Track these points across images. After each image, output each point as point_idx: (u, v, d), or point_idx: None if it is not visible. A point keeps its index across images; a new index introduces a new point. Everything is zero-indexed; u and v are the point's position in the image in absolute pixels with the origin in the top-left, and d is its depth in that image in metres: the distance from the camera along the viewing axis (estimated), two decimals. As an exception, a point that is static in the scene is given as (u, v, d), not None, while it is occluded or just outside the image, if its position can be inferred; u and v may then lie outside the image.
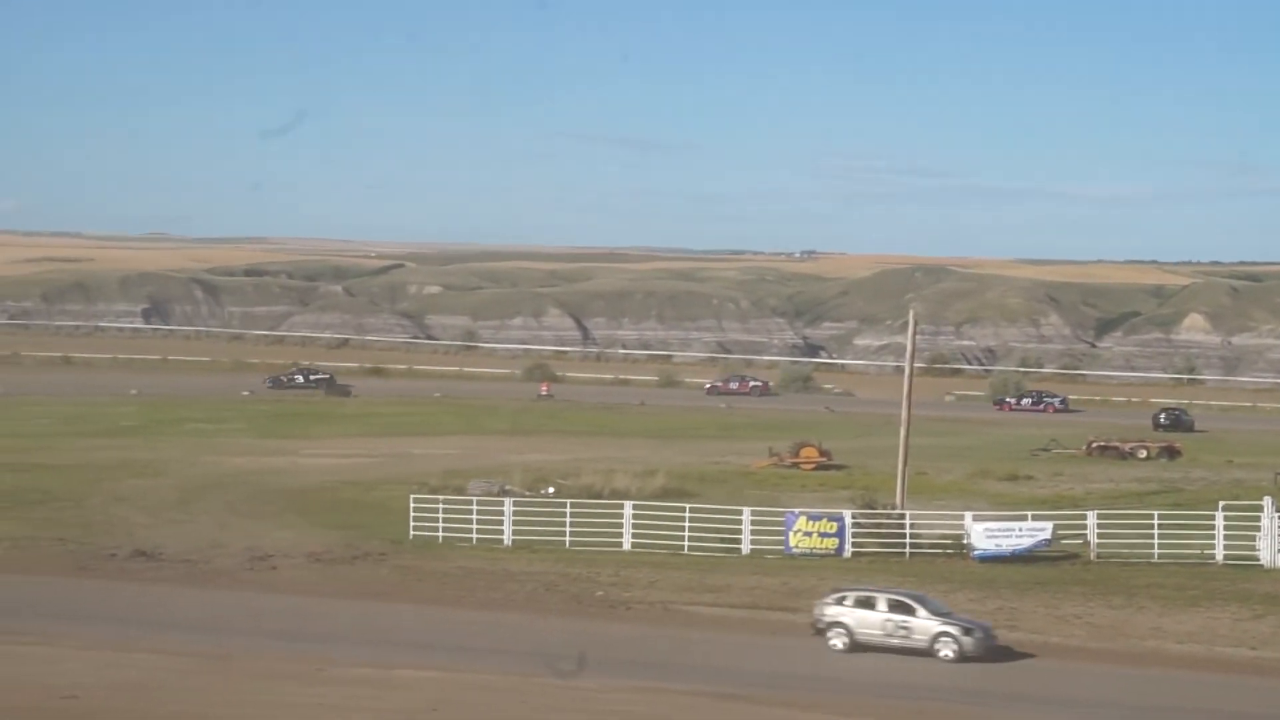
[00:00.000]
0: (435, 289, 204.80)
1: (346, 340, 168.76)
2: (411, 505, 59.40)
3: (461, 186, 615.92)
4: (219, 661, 39.84)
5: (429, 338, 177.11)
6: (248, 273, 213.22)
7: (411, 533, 58.37)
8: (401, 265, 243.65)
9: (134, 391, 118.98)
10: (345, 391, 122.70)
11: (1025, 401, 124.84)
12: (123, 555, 54.99)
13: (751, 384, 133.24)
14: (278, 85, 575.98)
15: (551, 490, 66.44)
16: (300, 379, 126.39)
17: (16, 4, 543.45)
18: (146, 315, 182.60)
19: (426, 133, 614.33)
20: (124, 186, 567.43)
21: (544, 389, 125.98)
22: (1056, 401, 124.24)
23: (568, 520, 57.89)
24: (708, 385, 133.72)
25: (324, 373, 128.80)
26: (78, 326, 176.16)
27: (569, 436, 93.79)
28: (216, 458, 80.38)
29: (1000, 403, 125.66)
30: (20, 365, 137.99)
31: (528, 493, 66.10)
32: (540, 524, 58.20)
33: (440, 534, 58.15)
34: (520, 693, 37.23)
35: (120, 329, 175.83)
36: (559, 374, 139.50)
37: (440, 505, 59.43)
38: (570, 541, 57.23)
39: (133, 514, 63.30)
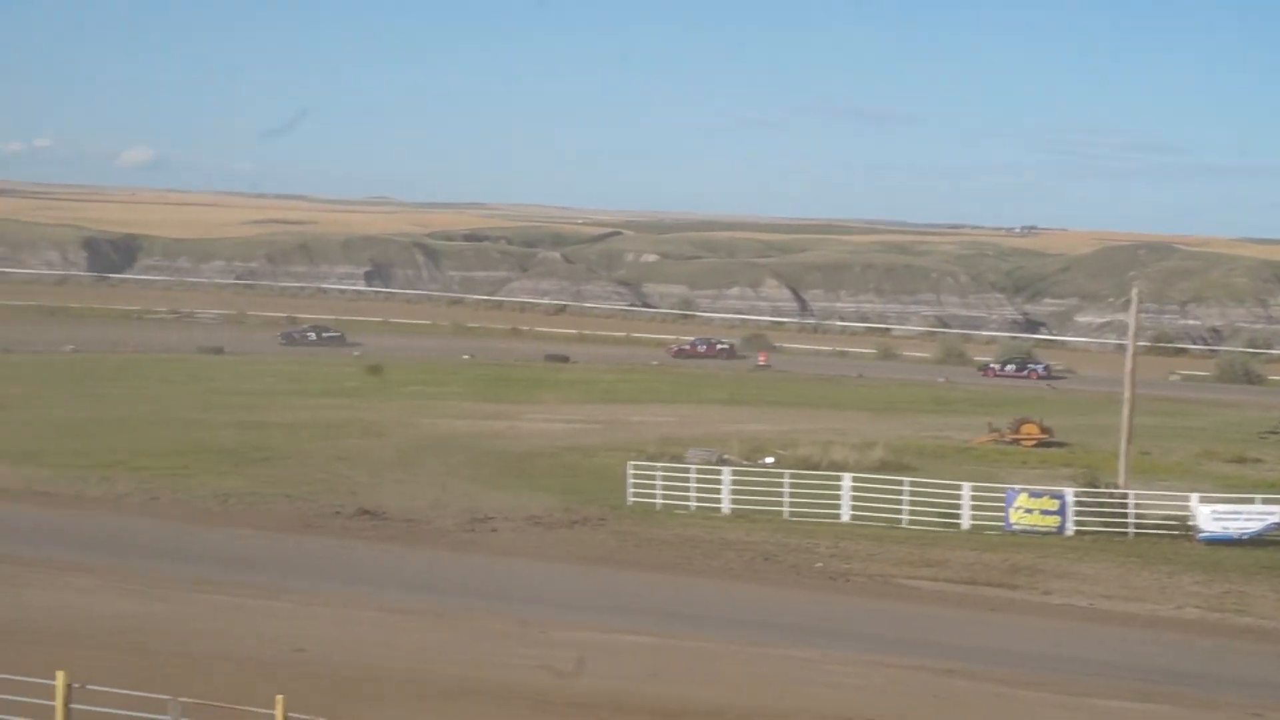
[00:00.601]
0: (653, 257, 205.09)
1: (564, 306, 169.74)
2: (629, 472, 59.52)
3: (680, 156, 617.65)
4: (441, 620, 40.24)
5: (646, 306, 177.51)
6: (468, 238, 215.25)
7: (629, 499, 58.49)
8: (619, 233, 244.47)
9: (356, 353, 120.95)
10: (563, 358, 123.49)
11: (1009, 367, 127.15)
12: (347, 513, 55.80)
13: (718, 346, 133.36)
14: (504, 54, 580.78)
15: (770, 460, 66.24)
16: (312, 336, 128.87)
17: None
18: (368, 278, 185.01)
19: (645, 101, 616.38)
20: (348, 151, 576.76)
21: (761, 359, 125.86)
22: (1040, 368, 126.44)
23: (786, 491, 57.63)
24: (674, 349, 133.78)
25: (335, 330, 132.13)
26: (301, 288, 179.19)
27: (786, 407, 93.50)
28: (436, 420, 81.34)
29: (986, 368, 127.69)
30: (246, 324, 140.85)
31: (745, 462, 65.95)
32: (758, 494, 58.02)
33: (658, 501, 58.23)
34: (739, 660, 37.14)
35: (342, 291, 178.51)
36: (776, 344, 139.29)
37: (658, 472, 59.52)
38: (788, 512, 56.99)
39: (356, 473, 64.24)
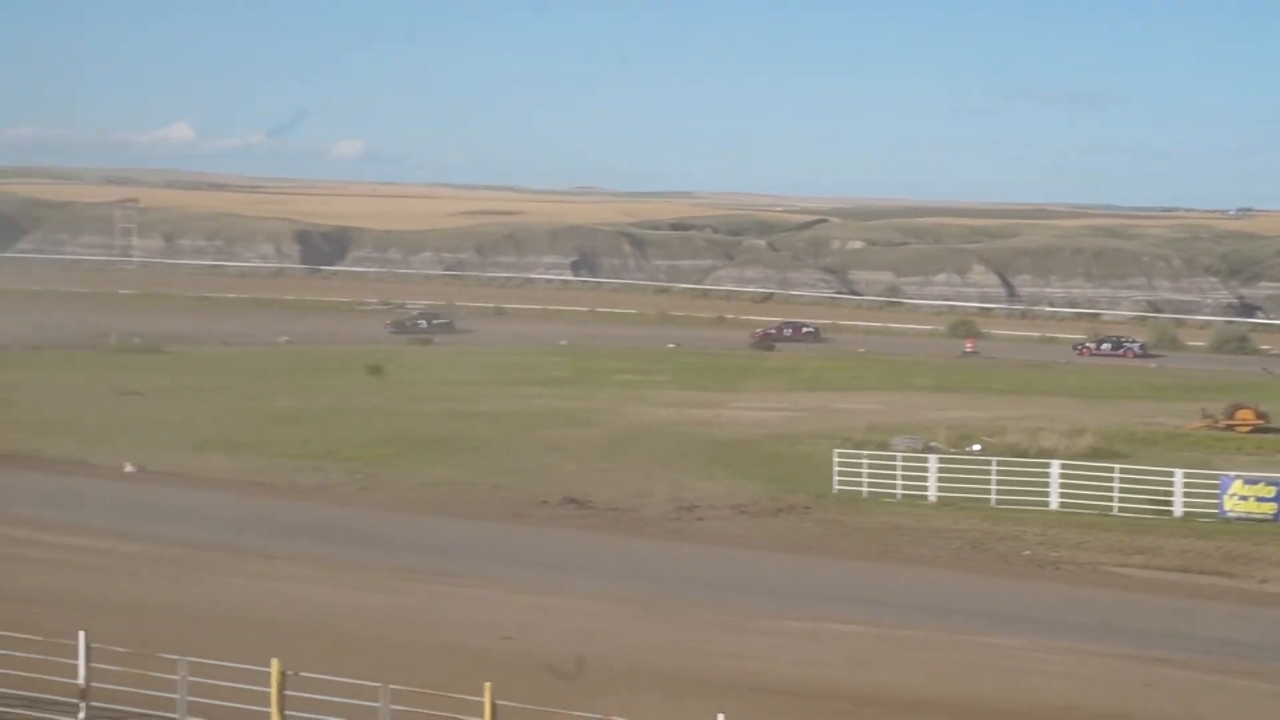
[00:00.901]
0: (858, 244, 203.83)
1: (770, 295, 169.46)
2: (835, 460, 59.26)
3: (885, 142, 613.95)
4: (648, 608, 40.38)
5: (852, 293, 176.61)
6: (674, 227, 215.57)
7: (835, 487, 58.25)
8: (825, 220, 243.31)
9: (563, 342, 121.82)
10: (769, 346, 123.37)
11: (1105, 346, 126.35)
12: (554, 502, 56.20)
13: (804, 330, 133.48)
14: (710, 42, 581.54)
15: (977, 447, 65.59)
16: (423, 323, 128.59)
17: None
18: (575, 267, 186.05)
19: (851, 89, 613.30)
20: (556, 142, 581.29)
21: (968, 345, 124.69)
22: (1136, 346, 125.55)
23: (993, 478, 57.01)
24: (758, 333, 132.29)
25: (444, 316, 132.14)
26: (509, 278, 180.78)
27: (994, 394, 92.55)
28: (643, 408, 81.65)
29: (1081, 347, 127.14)
30: (455, 314, 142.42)
31: (952, 449, 65.37)
32: (965, 481, 57.47)
33: (864, 489, 57.92)
34: (946, 648, 36.83)
35: (549, 280, 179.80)
36: (983, 331, 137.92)
37: (864, 460, 59.22)
38: (996, 500, 56.37)
39: (562, 462, 64.68)
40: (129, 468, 60.18)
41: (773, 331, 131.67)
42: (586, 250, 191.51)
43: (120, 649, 25.95)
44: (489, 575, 44.00)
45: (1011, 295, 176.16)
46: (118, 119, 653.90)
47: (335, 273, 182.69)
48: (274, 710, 24.84)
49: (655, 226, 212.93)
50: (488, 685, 23.77)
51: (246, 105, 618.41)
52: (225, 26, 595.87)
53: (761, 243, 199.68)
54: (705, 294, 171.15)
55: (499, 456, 65.53)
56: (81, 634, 25.83)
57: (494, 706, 23.80)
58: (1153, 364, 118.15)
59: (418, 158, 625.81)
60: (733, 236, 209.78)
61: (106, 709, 26.09)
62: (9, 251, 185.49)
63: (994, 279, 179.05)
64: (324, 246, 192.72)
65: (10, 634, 26.12)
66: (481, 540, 50.06)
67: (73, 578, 40.75)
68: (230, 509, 53.37)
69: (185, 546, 46.08)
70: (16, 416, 71.49)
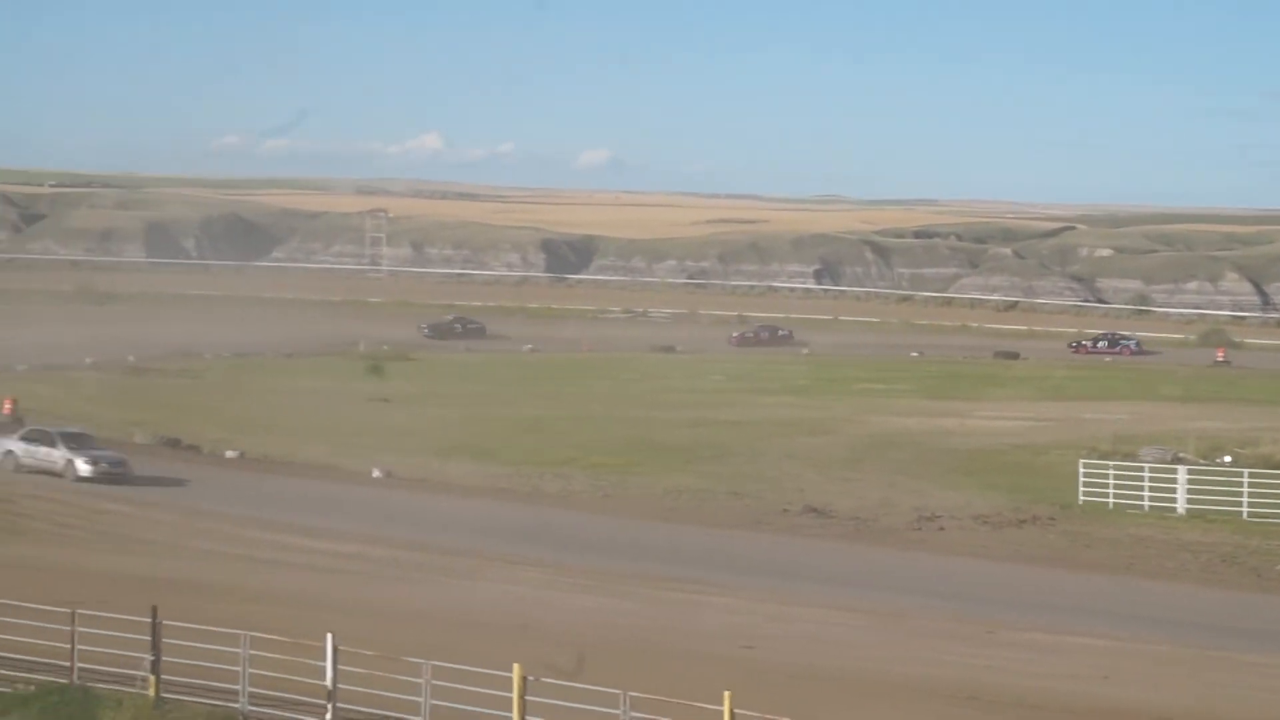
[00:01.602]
0: (1106, 252, 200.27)
1: (1015, 303, 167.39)
2: (1081, 470, 58.36)
3: (1135, 146, 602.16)
4: (887, 619, 40.13)
5: (1099, 301, 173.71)
6: (917, 235, 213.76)
7: (1080, 498, 57.36)
8: (1072, 228, 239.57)
9: (805, 350, 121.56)
10: (1014, 355, 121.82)
11: (1101, 344, 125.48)
12: (795, 511, 56.12)
13: (780, 333, 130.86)
14: (949, 49, 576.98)
15: (1228, 459, 64.10)
16: (458, 327, 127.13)
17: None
18: (818, 276, 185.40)
19: (1097, 92, 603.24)
20: (799, 150, 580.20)
21: (1220, 355, 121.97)
22: (1132, 344, 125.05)
23: (1245, 490, 55.69)
24: (736, 336, 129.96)
25: (476, 321, 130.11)
26: (752, 286, 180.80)
27: (1247, 405, 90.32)
28: (884, 417, 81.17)
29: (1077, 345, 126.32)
30: (698, 323, 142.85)
31: (1202, 461, 63.98)
32: (1215, 493, 56.21)
33: (1110, 500, 56.93)
34: (1195, 665, 36.06)
35: (792, 289, 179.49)
36: (1236, 340, 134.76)
37: (1110, 471, 58.21)
38: (1248, 512, 55.06)
39: (803, 471, 64.56)
40: (377, 473, 61.32)
41: (750, 335, 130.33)
42: (829, 259, 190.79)
43: (366, 651, 26.43)
44: (730, 583, 44.07)
45: (1266, 304, 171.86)
46: (369, 130, 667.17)
47: (579, 281, 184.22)
48: (515, 715, 25.11)
49: (899, 234, 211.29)
50: (726, 694, 23.80)
51: (495, 115, 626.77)
52: (472, 39, 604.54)
53: (1007, 250, 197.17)
54: (949, 303, 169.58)
55: (740, 465, 65.61)
56: (329, 636, 26.35)
57: (733, 715, 23.81)
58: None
59: (662, 167, 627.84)
60: (977, 244, 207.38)
61: (352, 710, 26.59)
62: (263, 260, 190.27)
63: (1247, 287, 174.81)
64: (569, 255, 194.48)
65: (260, 634, 26.74)
66: (723, 548, 50.15)
67: (321, 580, 41.61)
68: (475, 515, 54.12)
69: (431, 551, 46.86)
70: (269, 422, 73.23)
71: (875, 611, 40.94)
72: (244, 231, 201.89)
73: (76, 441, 57.27)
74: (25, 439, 57.62)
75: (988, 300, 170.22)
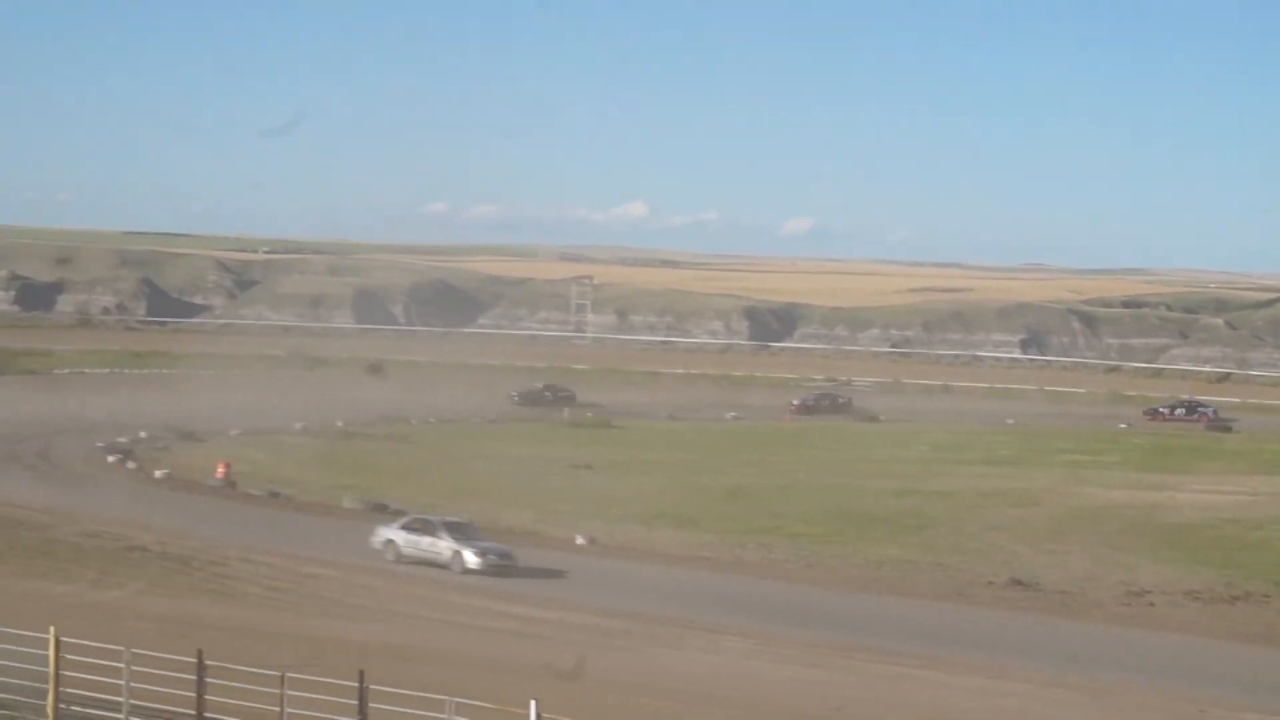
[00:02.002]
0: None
1: (1228, 374, 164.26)
2: (1298, 547, 57.12)
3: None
4: (1094, 695, 39.46)
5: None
6: (1125, 304, 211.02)
7: (1298, 575, 56.08)
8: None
9: (1010, 421, 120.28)
10: (1226, 427, 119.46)
11: (1179, 411, 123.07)
12: (999, 583, 55.46)
13: (840, 400, 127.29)
14: (1177, 115, 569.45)
15: None
16: (548, 395, 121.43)
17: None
18: (1024, 345, 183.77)
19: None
20: (1004, 217, 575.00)
21: None
22: (1210, 411, 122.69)
23: None
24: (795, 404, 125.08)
25: (567, 389, 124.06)
26: (956, 355, 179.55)
27: None
28: (1091, 489, 79.98)
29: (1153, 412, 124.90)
30: (902, 392, 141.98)
31: None
32: None
33: (1329, 578, 55.60)
34: None
35: (997, 359, 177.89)
36: None
37: (1329, 548, 56.88)
38: None
39: (1008, 542, 63.81)
40: (580, 540, 61.62)
41: (810, 402, 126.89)
42: (1035, 328, 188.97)
43: (569, 719, 26.50)
44: (933, 656, 43.65)
45: None
46: (575, 197, 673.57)
47: (782, 349, 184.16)
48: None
49: (1107, 304, 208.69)
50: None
51: (699, 184, 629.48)
52: (678, 108, 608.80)
53: (1219, 321, 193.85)
54: (1158, 373, 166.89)
55: (944, 535, 65.04)
56: (533, 703, 26.45)
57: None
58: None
59: (865, 235, 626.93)
60: (1188, 314, 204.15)
61: (554, 777, 26.65)
62: (469, 327, 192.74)
63: None
64: (772, 323, 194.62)
65: (463, 700, 26.93)
66: (925, 620, 49.70)
67: (523, 646, 41.85)
68: (678, 583, 54.15)
69: (634, 619, 46.96)
70: (474, 487, 73.97)
71: (1082, 687, 40.29)
72: (451, 298, 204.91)
73: (460, 531, 55.48)
74: (407, 529, 55.87)
75: (1199, 371, 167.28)
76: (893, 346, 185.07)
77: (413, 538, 55.22)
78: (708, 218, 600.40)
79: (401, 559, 54.71)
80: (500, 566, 53.60)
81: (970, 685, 39.97)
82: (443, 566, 53.60)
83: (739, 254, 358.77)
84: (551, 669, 28.08)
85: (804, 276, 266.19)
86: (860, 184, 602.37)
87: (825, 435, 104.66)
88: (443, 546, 54.27)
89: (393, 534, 55.94)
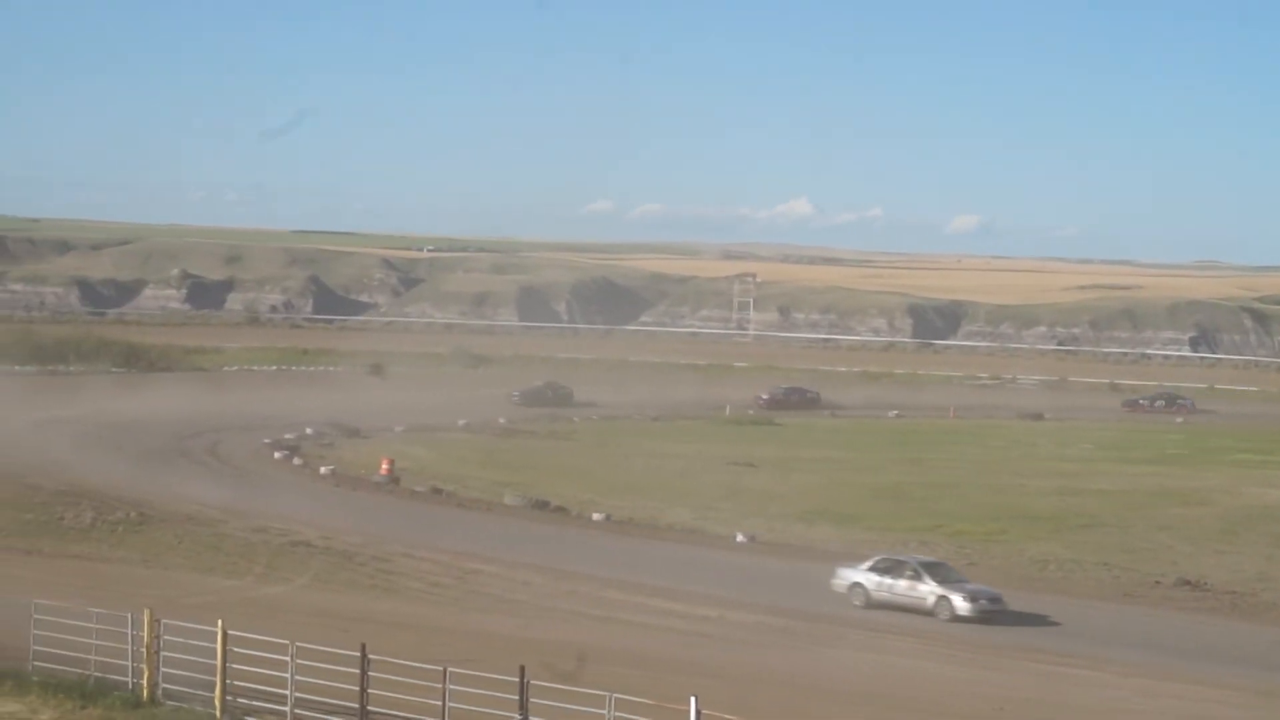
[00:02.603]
0: None
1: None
2: None
3: None
4: (1264, 698, 38.79)
5: None
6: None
7: None
8: None
9: (1179, 420, 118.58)
10: None
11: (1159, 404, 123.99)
12: (1166, 583, 54.64)
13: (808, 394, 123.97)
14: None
15: None
16: (550, 394, 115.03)
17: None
18: (1193, 343, 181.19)
19: None
20: (1174, 214, 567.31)
21: None
22: (1189, 403, 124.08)
23: None
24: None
25: (566, 387, 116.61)
26: (1124, 353, 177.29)
27: None
28: (1263, 489, 78.58)
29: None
30: (1068, 390, 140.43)
31: None
32: None
33: None
34: None
35: (1166, 356, 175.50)
36: None
37: None
38: None
39: (1175, 542, 62.87)
40: (740, 538, 61.50)
41: (780, 396, 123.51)
42: (1206, 325, 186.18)
43: (729, 716, 26.47)
44: (1098, 656, 43.16)
45: None
46: (740, 195, 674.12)
47: (946, 347, 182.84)
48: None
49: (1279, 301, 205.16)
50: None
51: (864, 180, 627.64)
52: (841, 103, 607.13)
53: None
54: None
55: (1109, 535, 64.20)
56: (693, 699, 26.44)
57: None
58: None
59: (1033, 231, 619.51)
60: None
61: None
62: (631, 324, 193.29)
63: None
64: (936, 320, 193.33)
65: (622, 696, 26.98)
66: (1090, 620, 49.07)
67: (682, 643, 41.93)
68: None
69: (794, 617, 46.83)
70: (635, 484, 74.15)
71: (1251, 689, 39.60)
72: (613, 295, 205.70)
73: (939, 573, 50.08)
74: (876, 570, 50.18)
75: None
76: (1059, 344, 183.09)
77: (885, 580, 49.71)
78: (873, 214, 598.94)
79: (871, 604, 49.44)
80: (990, 613, 48.19)
81: (1136, 686, 39.47)
82: (925, 613, 48.42)
83: (904, 251, 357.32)
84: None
85: (969, 274, 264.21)
86: (1029, 180, 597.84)
87: (988, 433, 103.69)
88: (924, 591, 48.89)
89: (860, 576, 50.27)
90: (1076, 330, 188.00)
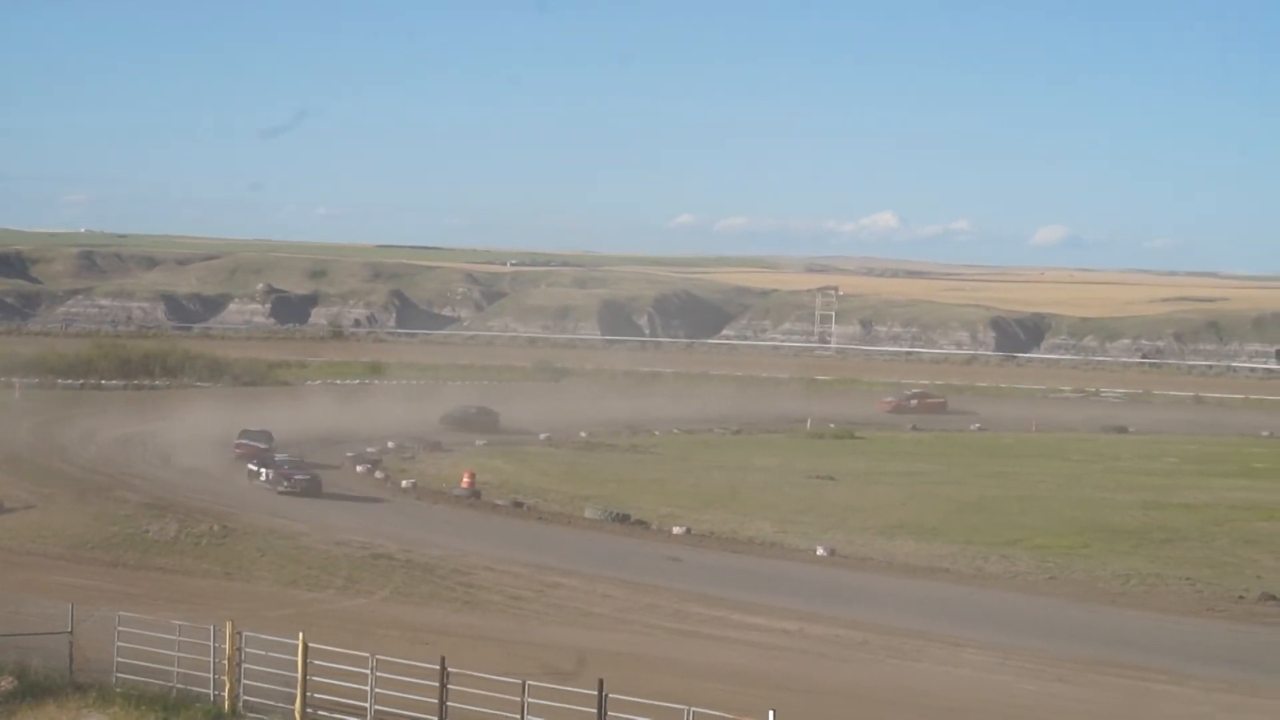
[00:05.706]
0: None
1: None
2: None
3: None
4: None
5: None
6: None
7: None
8: None
9: (1265, 433, 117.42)
10: None
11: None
12: (1251, 598, 54.21)
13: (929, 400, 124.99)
14: None
15: None
16: (474, 411, 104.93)
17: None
18: (1279, 356, 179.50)
19: None
20: (1263, 226, 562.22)
21: None
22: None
23: None
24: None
25: (493, 412, 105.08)
26: (1209, 366, 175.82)
27: None
28: (1351, 504, 77.77)
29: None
30: (1151, 403, 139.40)
31: None
32: None
33: None
34: None
35: (1252, 369, 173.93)
36: None
37: None
38: None
39: (1261, 557, 62.29)
40: (820, 551, 61.44)
41: (905, 401, 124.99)
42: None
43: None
44: (1181, 671, 42.86)
45: None
46: (824, 208, 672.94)
47: (1029, 360, 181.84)
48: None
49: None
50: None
51: (950, 193, 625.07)
52: (926, 117, 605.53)
53: None
54: None
55: (1193, 549, 63.69)
56: (770, 713, 26.49)
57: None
58: None
59: (1120, 243, 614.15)
60: None
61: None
62: (713, 338, 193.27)
63: None
64: (1019, 333, 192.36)
65: (701, 710, 27.06)
66: (1173, 635, 48.77)
67: (761, 657, 41.93)
68: (918, 594, 53.76)
69: (873, 630, 46.72)
70: (715, 498, 74.13)
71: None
72: (695, 308, 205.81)
73: None
74: None
75: None
76: (1143, 357, 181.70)
77: None
78: (958, 227, 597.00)
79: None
80: None
81: (1222, 701, 39.19)
82: None
83: (988, 264, 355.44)
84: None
85: (1054, 286, 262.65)
86: (1116, 191, 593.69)
87: (1071, 447, 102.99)
88: None
89: None
90: (1161, 343, 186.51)
